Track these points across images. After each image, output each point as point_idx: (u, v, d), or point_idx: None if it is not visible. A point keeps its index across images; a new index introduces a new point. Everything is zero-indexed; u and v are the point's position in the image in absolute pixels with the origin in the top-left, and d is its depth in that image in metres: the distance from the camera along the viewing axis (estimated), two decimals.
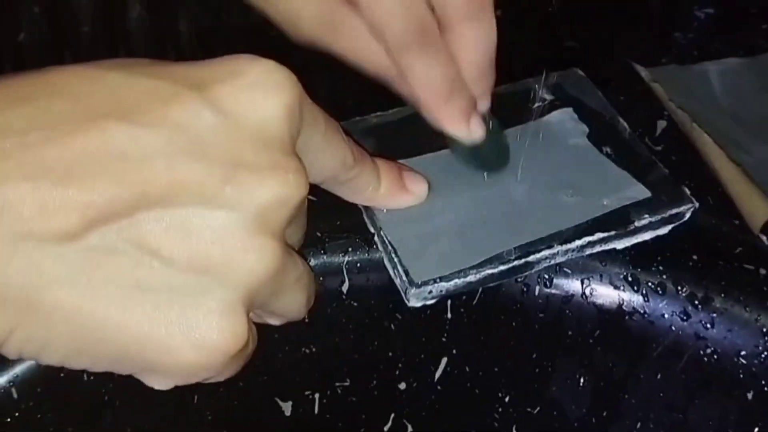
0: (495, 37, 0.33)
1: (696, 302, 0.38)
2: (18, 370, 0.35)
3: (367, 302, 0.39)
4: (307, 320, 0.39)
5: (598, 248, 0.37)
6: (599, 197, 0.37)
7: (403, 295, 0.36)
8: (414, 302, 0.35)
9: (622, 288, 0.39)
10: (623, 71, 0.48)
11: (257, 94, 0.24)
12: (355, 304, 0.39)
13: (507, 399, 0.43)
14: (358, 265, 0.38)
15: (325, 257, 0.38)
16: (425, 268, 0.35)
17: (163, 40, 0.63)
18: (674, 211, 0.37)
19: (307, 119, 0.26)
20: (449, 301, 0.40)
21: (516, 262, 0.35)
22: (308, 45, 0.35)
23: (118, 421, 0.38)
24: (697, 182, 0.39)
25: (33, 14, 0.62)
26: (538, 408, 0.43)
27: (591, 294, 0.39)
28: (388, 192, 0.35)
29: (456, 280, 0.35)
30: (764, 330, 0.38)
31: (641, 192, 0.38)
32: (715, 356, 0.39)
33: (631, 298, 0.39)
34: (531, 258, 0.36)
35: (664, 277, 0.39)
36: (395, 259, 0.35)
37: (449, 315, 0.40)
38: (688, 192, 0.38)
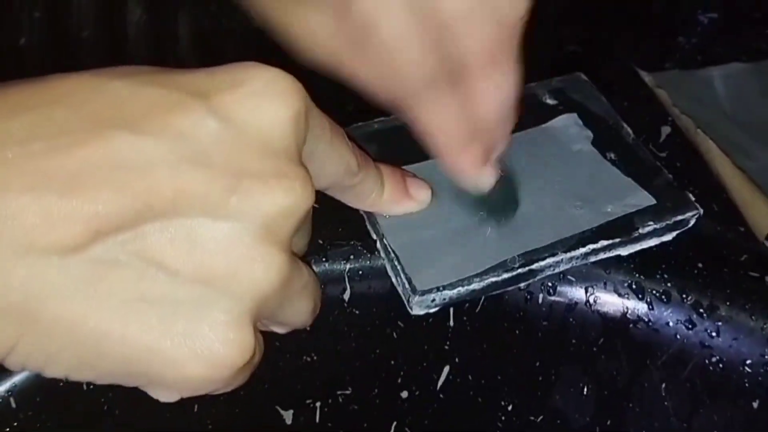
0: (516, 84, 0.31)
1: (701, 310, 0.38)
2: (17, 379, 0.35)
3: (369, 310, 0.39)
4: (308, 328, 0.39)
5: (602, 255, 0.37)
6: (603, 204, 0.37)
7: (406, 303, 0.35)
8: (417, 310, 0.35)
9: (626, 296, 0.39)
10: (627, 76, 0.47)
11: (262, 102, 0.24)
12: (357, 311, 0.39)
13: (510, 407, 0.43)
14: (360, 272, 0.38)
15: (326, 264, 0.38)
16: (428, 276, 0.34)
17: (164, 43, 0.62)
18: (679, 217, 0.37)
19: (313, 126, 0.26)
20: (452, 309, 0.39)
21: (520, 270, 0.35)
22: (319, 68, 0.34)
23: (117, 431, 0.38)
24: (702, 189, 0.39)
25: (33, 18, 0.62)
26: (542, 416, 0.43)
27: (595, 302, 0.39)
28: (392, 198, 0.34)
29: (459, 288, 0.34)
30: None
31: (646, 199, 0.37)
32: (721, 365, 0.38)
33: (635, 306, 0.39)
34: (535, 266, 0.35)
35: (669, 285, 0.38)
36: (398, 267, 0.35)
37: (452, 323, 0.40)
38: (692, 198, 0.38)
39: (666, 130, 0.45)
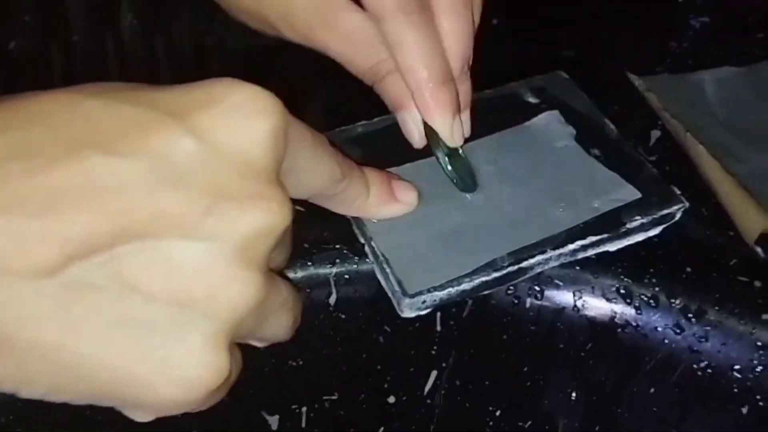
0: (474, 23, 0.35)
1: (690, 315, 0.38)
2: None
3: (355, 314, 0.39)
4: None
5: (591, 251, 0.37)
6: (590, 200, 0.37)
7: (396, 305, 0.35)
8: (408, 313, 0.35)
9: (614, 300, 0.38)
10: (617, 80, 0.47)
11: (239, 121, 0.23)
12: (343, 316, 0.39)
13: (498, 413, 0.42)
14: (346, 276, 0.38)
15: (312, 268, 0.38)
16: (418, 278, 0.34)
17: (155, 49, 0.62)
18: (665, 211, 0.37)
19: (294, 140, 0.26)
20: (439, 314, 0.39)
21: (509, 269, 0.35)
22: (301, 41, 0.35)
23: None
24: (691, 192, 0.39)
25: (25, 22, 0.62)
26: (530, 422, 0.42)
27: (583, 306, 0.39)
28: (378, 202, 0.34)
29: (450, 289, 0.34)
30: (759, 343, 0.37)
31: (631, 193, 0.37)
32: (709, 370, 0.38)
33: (623, 310, 0.38)
34: (524, 264, 0.35)
35: (657, 289, 0.38)
36: (387, 270, 0.35)
37: (439, 327, 0.39)
38: (678, 192, 0.38)
39: (656, 133, 0.45)
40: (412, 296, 0.34)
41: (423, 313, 0.35)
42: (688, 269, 0.38)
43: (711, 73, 0.48)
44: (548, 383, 0.41)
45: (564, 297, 0.39)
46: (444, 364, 0.41)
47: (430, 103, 0.34)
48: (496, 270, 0.35)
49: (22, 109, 0.22)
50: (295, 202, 0.35)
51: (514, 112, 0.41)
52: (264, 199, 0.23)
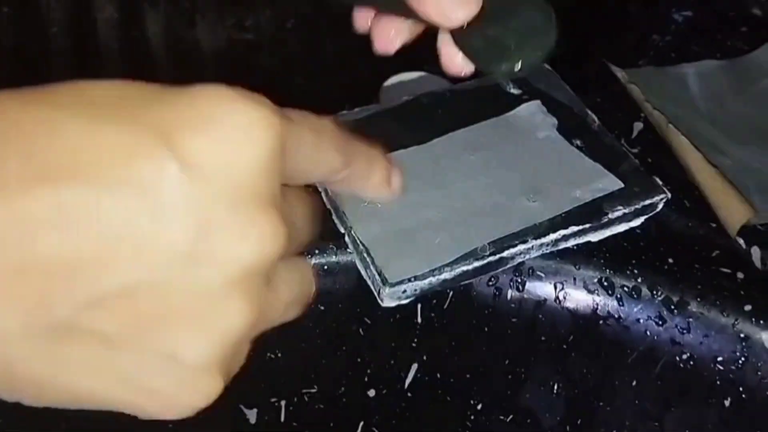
0: None
1: (672, 306, 0.37)
2: None
3: (335, 306, 0.38)
4: None
5: (572, 242, 0.36)
6: (571, 189, 0.37)
7: (376, 295, 0.35)
8: (388, 302, 0.34)
9: (596, 292, 0.38)
10: (600, 72, 0.47)
11: (230, 146, 0.22)
12: (323, 308, 0.38)
13: (479, 407, 0.42)
14: (326, 267, 0.37)
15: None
16: (399, 267, 0.34)
17: (135, 42, 0.62)
18: (647, 201, 0.37)
19: (291, 148, 0.24)
20: (419, 306, 0.39)
21: (491, 258, 0.35)
22: None
23: (70, 428, 0.37)
24: (674, 185, 0.39)
25: (2, 13, 0.61)
26: (511, 416, 0.42)
27: (565, 298, 0.38)
28: (375, 189, 0.33)
29: (431, 279, 0.34)
30: (741, 335, 0.37)
31: (613, 183, 0.37)
32: (692, 362, 0.38)
33: (605, 302, 0.38)
34: (506, 253, 0.35)
35: (639, 280, 0.38)
36: (368, 259, 0.34)
37: (419, 319, 0.39)
38: (659, 182, 0.38)
39: (638, 126, 0.44)
40: (393, 285, 0.33)
41: (404, 302, 0.34)
42: (671, 260, 0.38)
43: (693, 66, 0.48)
44: (530, 376, 0.41)
45: (545, 288, 0.38)
46: (425, 357, 0.40)
47: None
48: (477, 259, 0.34)
49: (1, 132, 0.21)
50: None
51: (497, 102, 0.41)
52: (257, 227, 0.22)
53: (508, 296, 0.38)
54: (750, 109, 0.47)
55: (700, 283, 0.38)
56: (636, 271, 0.38)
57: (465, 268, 0.34)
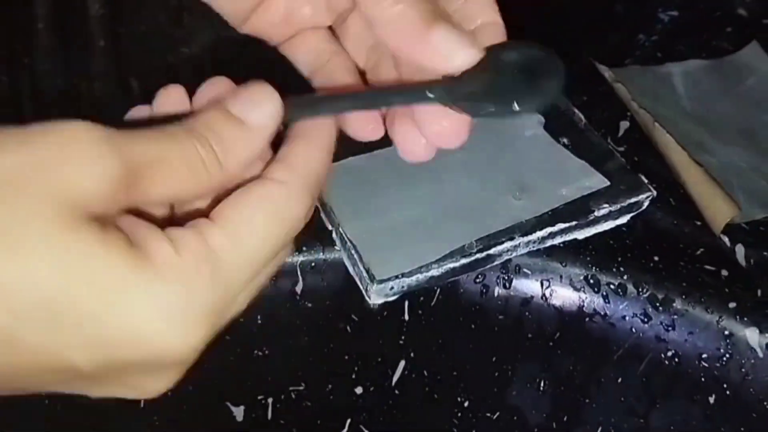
0: None
1: (657, 304, 0.38)
2: None
3: (322, 303, 0.38)
4: (259, 321, 0.38)
5: (559, 239, 0.37)
6: (558, 187, 0.37)
7: (363, 291, 0.35)
8: (375, 299, 0.34)
9: (582, 289, 0.38)
10: (587, 71, 0.47)
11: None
12: (310, 305, 0.38)
13: (466, 404, 0.42)
14: (313, 265, 0.37)
15: None
16: (387, 264, 0.34)
17: (122, 40, 0.62)
18: (633, 199, 0.37)
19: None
20: (407, 303, 0.39)
21: (478, 255, 0.35)
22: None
23: (58, 425, 0.37)
24: (659, 183, 0.39)
25: None
26: (498, 413, 0.42)
27: (551, 295, 0.38)
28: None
29: (418, 275, 0.34)
30: (726, 332, 0.37)
31: (600, 181, 0.37)
32: (676, 359, 0.38)
33: (591, 299, 0.38)
34: (493, 251, 0.35)
35: (625, 278, 0.38)
36: (355, 256, 0.34)
37: (407, 317, 0.39)
38: (645, 180, 0.38)
39: (624, 124, 0.45)
40: (380, 282, 0.33)
41: (391, 299, 0.34)
42: (656, 258, 0.38)
43: (679, 66, 0.49)
44: (516, 373, 0.41)
45: (532, 286, 0.38)
46: (412, 354, 0.40)
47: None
48: (464, 256, 0.34)
49: None
50: None
51: None
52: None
53: (495, 293, 0.38)
54: (735, 108, 0.47)
55: (685, 280, 0.38)
56: (622, 269, 0.38)
57: (452, 265, 0.34)
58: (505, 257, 0.36)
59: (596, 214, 0.36)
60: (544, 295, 0.38)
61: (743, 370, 0.37)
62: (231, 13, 0.31)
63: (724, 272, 0.38)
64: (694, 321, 0.38)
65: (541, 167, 0.38)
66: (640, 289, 0.38)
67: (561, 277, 0.38)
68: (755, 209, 0.41)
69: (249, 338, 0.38)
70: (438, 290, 0.38)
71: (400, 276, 0.34)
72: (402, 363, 0.41)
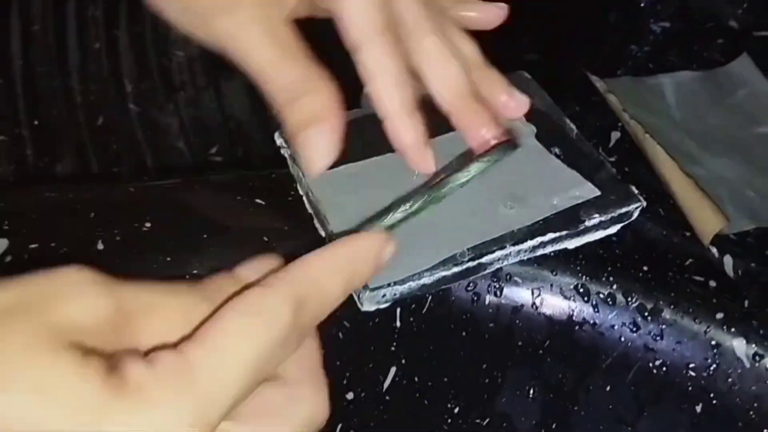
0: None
1: (645, 313, 0.38)
2: None
3: None
4: None
5: (549, 248, 0.37)
6: (549, 197, 0.37)
7: (356, 298, 0.35)
8: (368, 306, 0.35)
9: (572, 298, 0.39)
10: (579, 82, 0.48)
11: None
12: None
13: (456, 410, 0.42)
14: None
15: None
16: (379, 272, 0.34)
17: (116, 40, 0.62)
18: (623, 209, 0.37)
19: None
20: (398, 310, 0.39)
21: (469, 264, 0.35)
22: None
23: None
24: (649, 193, 0.39)
25: None
26: (488, 420, 0.42)
27: (541, 304, 0.39)
28: None
29: (410, 283, 0.34)
30: (713, 342, 0.38)
31: (590, 191, 0.38)
32: (664, 368, 0.38)
33: (581, 308, 0.39)
34: (484, 259, 0.35)
35: (614, 287, 0.38)
36: None
37: (398, 323, 0.39)
38: (635, 191, 0.38)
39: (616, 135, 0.45)
40: (373, 289, 0.34)
41: (383, 306, 0.35)
42: (645, 268, 0.39)
43: (670, 77, 0.49)
44: (506, 381, 0.41)
45: (523, 294, 0.39)
46: (403, 361, 0.41)
47: (395, 131, 0.34)
48: (456, 265, 0.35)
49: None
50: (254, 194, 0.35)
51: None
52: None
53: (486, 301, 0.39)
54: (725, 120, 0.48)
55: (673, 290, 0.38)
56: (611, 278, 0.38)
57: (444, 273, 0.35)
58: (497, 266, 0.36)
59: (587, 223, 0.37)
60: (534, 303, 0.39)
61: (730, 379, 0.38)
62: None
63: (712, 283, 0.39)
64: (682, 331, 0.38)
65: (533, 177, 0.38)
66: (629, 299, 0.38)
67: (551, 285, 0.39)
68: (744, 220, 0.42)
69: None
70: (429, 298, 0.39)
71: (392, 284, 0.34)
72: (393, 369, 0.41)
